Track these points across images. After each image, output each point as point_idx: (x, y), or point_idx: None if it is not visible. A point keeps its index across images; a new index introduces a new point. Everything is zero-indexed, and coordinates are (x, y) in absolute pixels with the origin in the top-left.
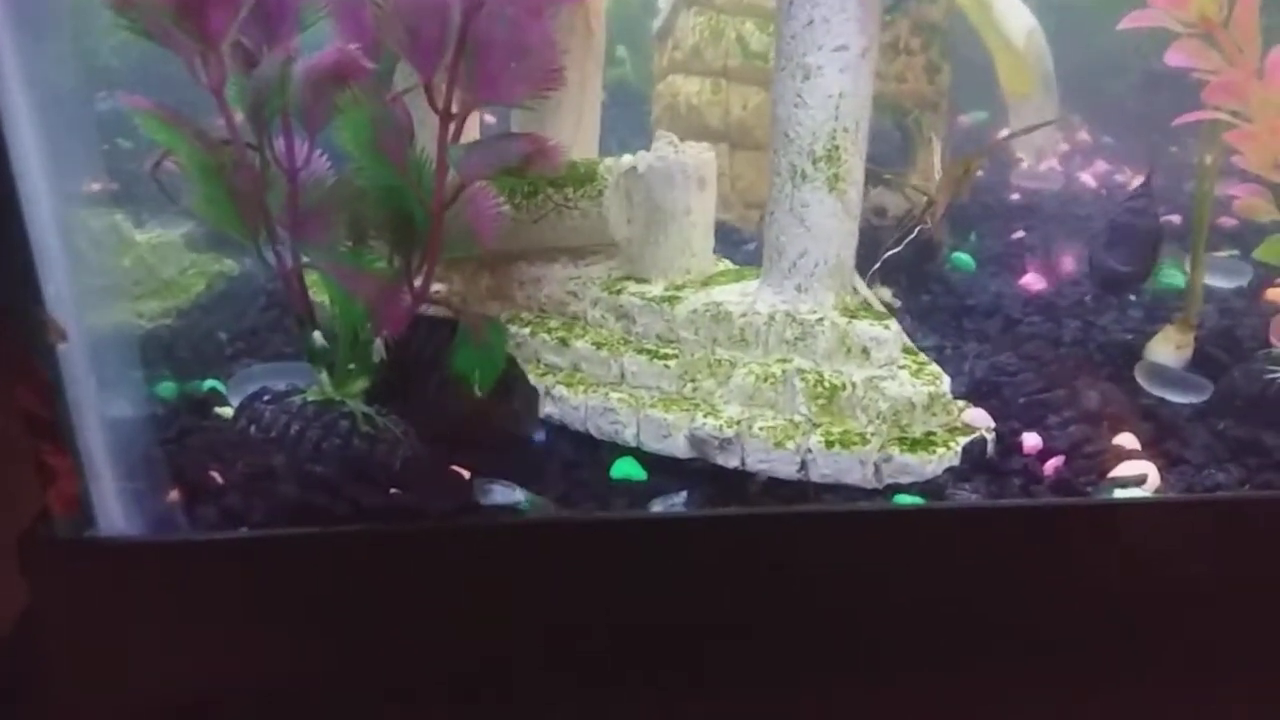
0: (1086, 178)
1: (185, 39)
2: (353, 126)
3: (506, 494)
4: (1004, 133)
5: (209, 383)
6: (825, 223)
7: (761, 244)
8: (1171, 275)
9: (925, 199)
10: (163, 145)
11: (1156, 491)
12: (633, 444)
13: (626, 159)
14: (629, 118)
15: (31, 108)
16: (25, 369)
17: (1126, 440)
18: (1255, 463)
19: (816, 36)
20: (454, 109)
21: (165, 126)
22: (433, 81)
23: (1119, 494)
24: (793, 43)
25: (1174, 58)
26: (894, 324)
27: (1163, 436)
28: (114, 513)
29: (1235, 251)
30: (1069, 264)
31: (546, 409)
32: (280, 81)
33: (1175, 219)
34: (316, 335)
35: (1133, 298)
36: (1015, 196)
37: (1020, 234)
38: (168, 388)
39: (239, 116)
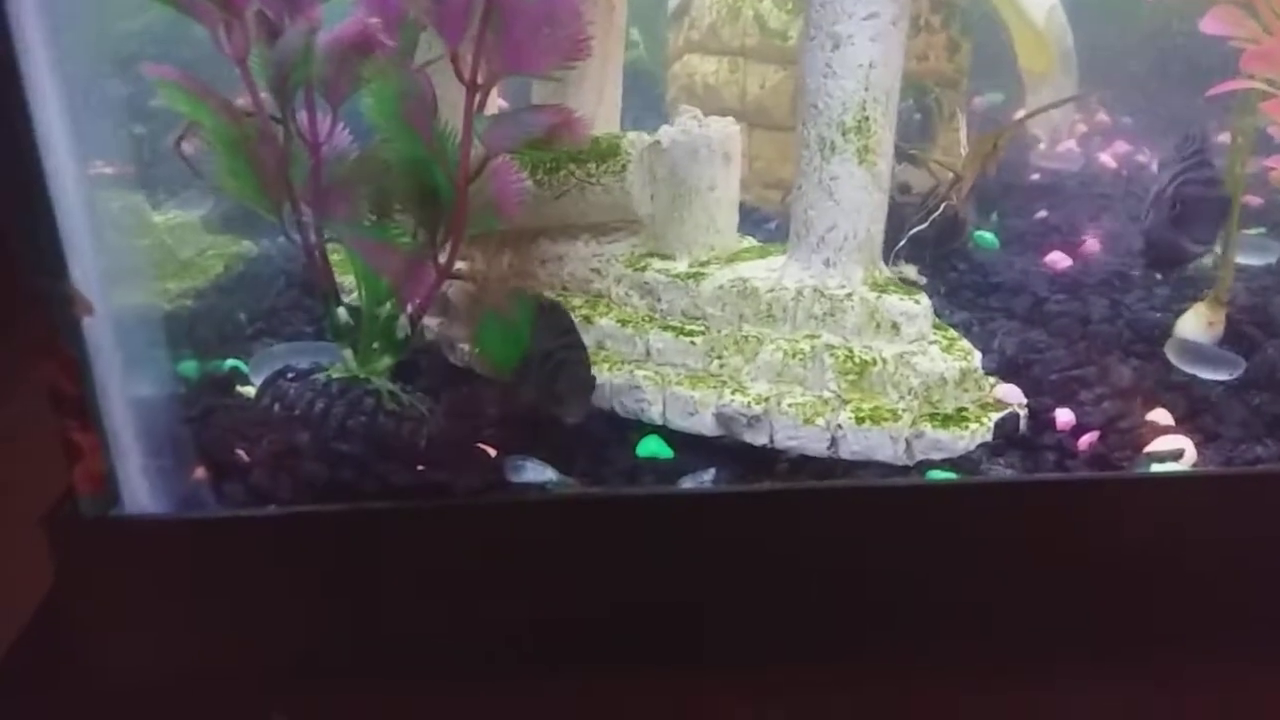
0: (1106, 158)
1: (209, 6)
2: (380, 98)
3: (538, 472)
4: (1028, 110)
5: (230, 362)
6: (855, 195)
7: (782, 223)
8: None
9: (951, 175)
10: (187, 118)
11: (1194, 466)
12: (659, 422)
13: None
14: (642, 100)
15: (58, 86)
16: (51, 346)
17: (1160, 416)
18: None
19: (847, 4)
20: (480, 80)
21: (189, 98)
22: (459, 51)
23: (1156, 468)
24: (822, 11)
25: (1210, 25)
26: (924, 298)
27: (1197, 412)
28: (139, 491)
29: (1263, 229)
30: (1093, 243)
31: None
32: (304, 52)
33: None
34: (341, 311)
35: (1160, 276)
36: (1035, 176)
37: (1043, 214)
38: (190, 367)
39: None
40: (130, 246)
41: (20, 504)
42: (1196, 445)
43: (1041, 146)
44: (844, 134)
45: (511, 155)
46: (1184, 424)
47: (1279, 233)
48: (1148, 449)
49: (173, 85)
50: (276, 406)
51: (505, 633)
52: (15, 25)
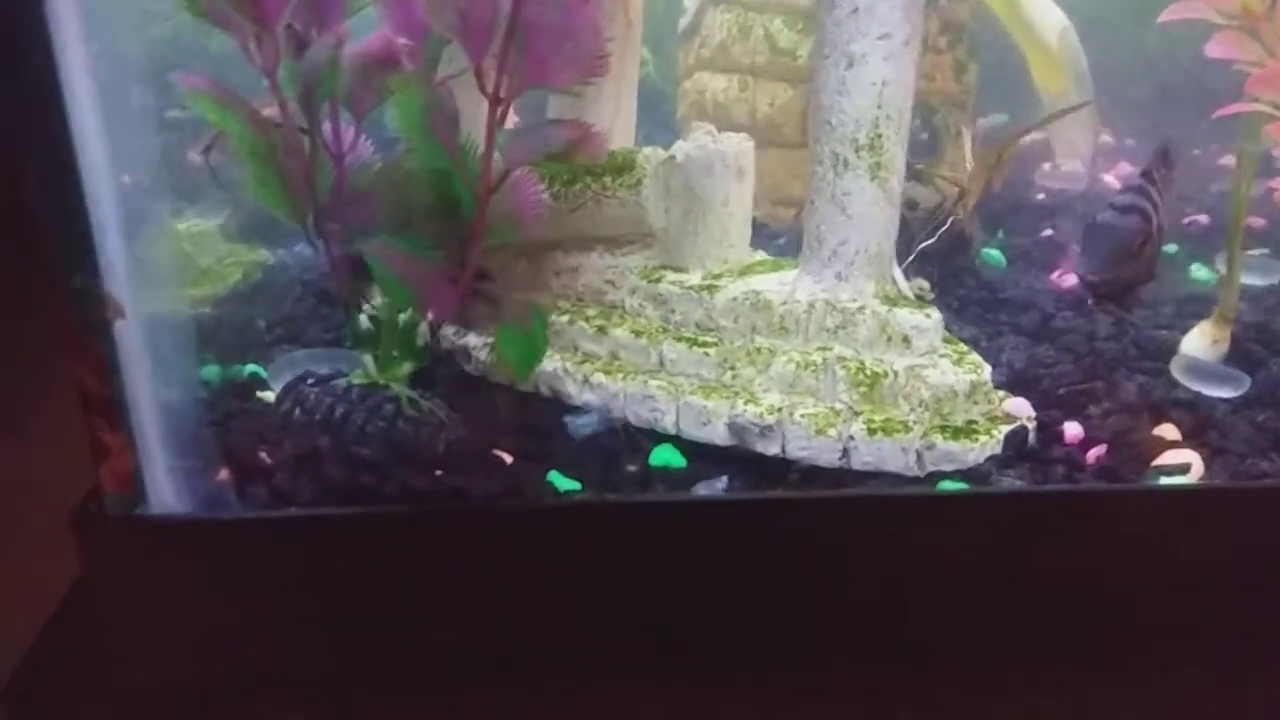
0: (1110, 179)
1: (240, 19)
2: (405, 110)
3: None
4: (1038, 125)
5: (250, 367)
6: (867, 211)
7: (791, 239)
8: (1199, 273)
9: (957, 191)
10: (215, 127)
11: (1202, 480)
12: (672, 431)
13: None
14: (652, 118)
15: (92, 92)
16: (82, 346)
17: (1166, 431)
18: None
19: (861, 24)
20: (501, 93)
21: (219, 107)
22: (482, 65)
23: (1164, 481)
24: (837, 30)
25: (1215, 49)
26: (935, 312)
27: (1202, 428)
28: (165, 491)
29: (1265, 250)
30: None
31: (585, 396)
32: (331, 65)
33: (1203, 219)
34: (362, 319)
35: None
36: (1040, 196)
37: (1049, 232)
38: (211, 371)
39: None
40: (157, 252)
41: (41, 501)
42: (1203, 460)
43: (1064, 168)
44: (857, 151)
45: (530, 168)
46: (1190, 439)
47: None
48: (1155, 463)
49: (203, 94)
50: (298, 411)
51: (524, 637)
52: (55, 35)
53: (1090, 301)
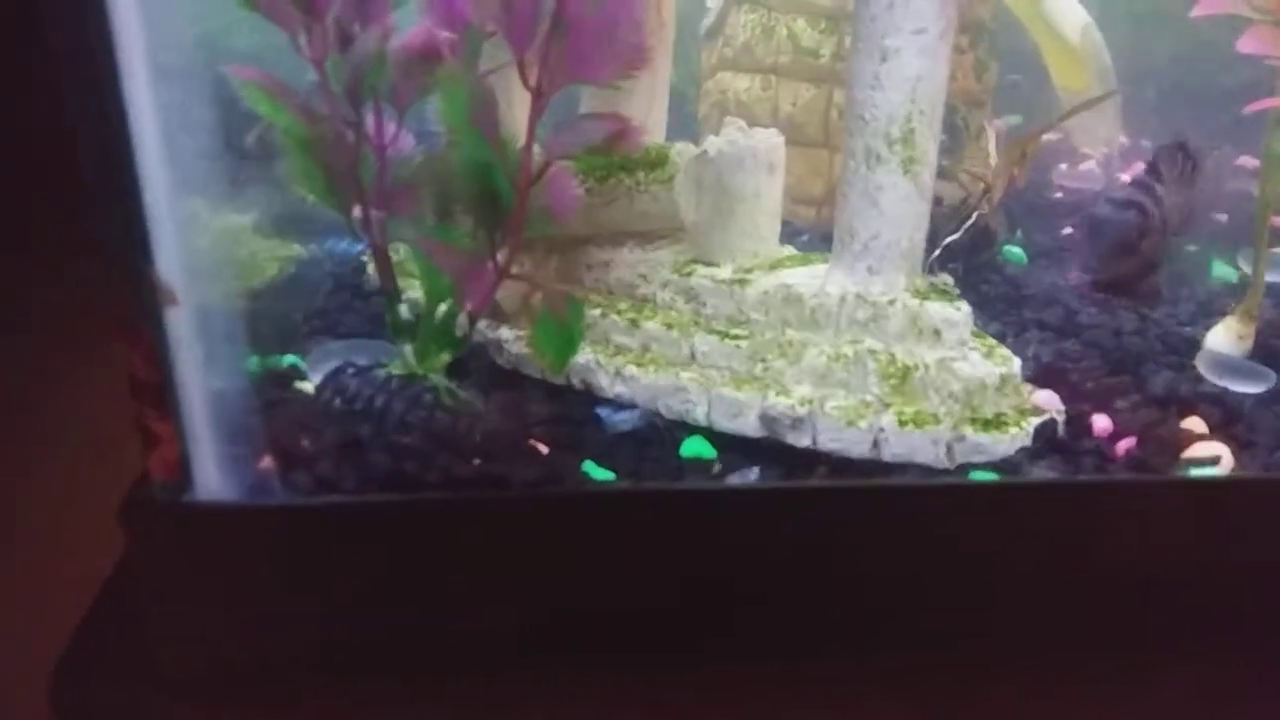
0: (1126, 179)
1: (290, 10)
2: (450, 101)
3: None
4: (1062, 123)
5: (289, 358)
6: (899, 205)
7: (814, 236)
8: (1222, 270)
9: (982, 187)
10: (265, 118)
11: (1234, 471)
12: (703, 423)
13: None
14: (673, 117)
15: (149, 83)
16: (134, 332)
17: (1195, 424)
18: None
19: (896, 18)
20: (544, 87)
21: (270, 100)
22: (525, 59)
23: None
24: (872, 25)
25: (1247, 44)
26: (965, 305)
27: (1230, 421)
28: (211, 477)
29: None
30: None
31: (617, 388)
32: (377, 58)
33: (1222, 217)
34: (403, 308)
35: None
36: (1058, 195)
37: (1068, 230)
38: (252, 361)
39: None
40: (207, 246)
41: (77, 492)
42: (1234, 452)
43: (1092, 160)
44: (890, 145)
45: (565, 163)
46: (1219, 432)
47: None
48: (1184, 455)
49: (255, 86)
50: (339, 400)
51: (561, 618)
52: (114, 28)
53: (1093, 293)
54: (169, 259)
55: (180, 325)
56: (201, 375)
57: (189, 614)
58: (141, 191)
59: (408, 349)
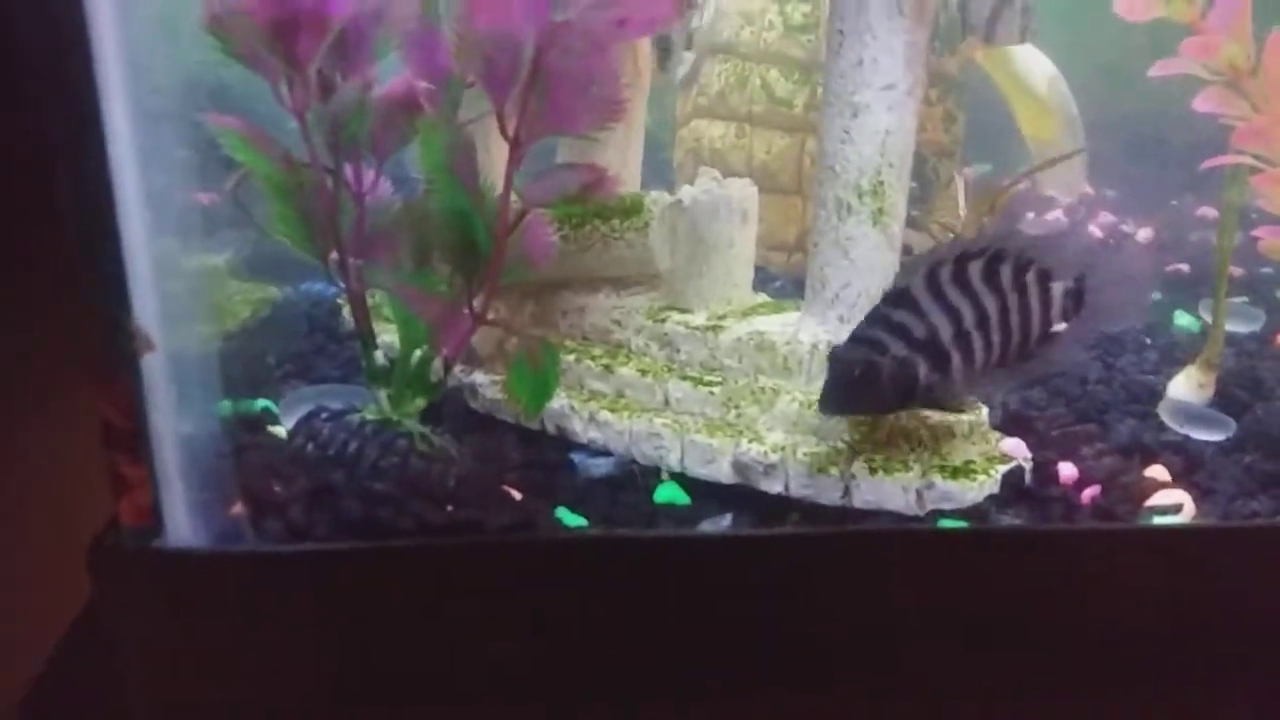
0: (1093, 228)
1: (273, 61)
2: (429, 149)
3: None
4: (1030, 172)
5: (261, 402)
6: (869, 255)
7: (787, 283)
8: (1182, 320)
9: (952, 237)
10: (244, 164)
11: (1195, 519)
12: (677, 469)
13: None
14: (647, 163)
15: (132, 122)
16: (108, 380)
17: (1158, 472)
18: None
19: (865, 75)
20: (522, 138)
21: (248, 146)
22: (504, 110)
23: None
24: (841, 81)
25: (1203, 104)
26: None
27: (1192, 469)
28: (182, 524)
29: (1246, 298)
30: None
31: (590, 434)
32: (359, 108)
33: (1184, 268)
34: (379, 354)
35: None
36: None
37: None
38: (224, 406)
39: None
40: (179, 288)
41: (46, 525)
42: (1194, 500)
43: (1058, 207)
44: (860, 197)
45: (542, 210)
46: (1181, 480)
47: (1262, 302)
48: (1148, 503)
49: (235, 134)
50: (311, 446)
51: (533, 669)
52: (96, 66)
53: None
54: (146, 305)
55: (155, 371)
56: (174, 421)
57: (159, 661)
58: (121, 239)
59: (382, 394)
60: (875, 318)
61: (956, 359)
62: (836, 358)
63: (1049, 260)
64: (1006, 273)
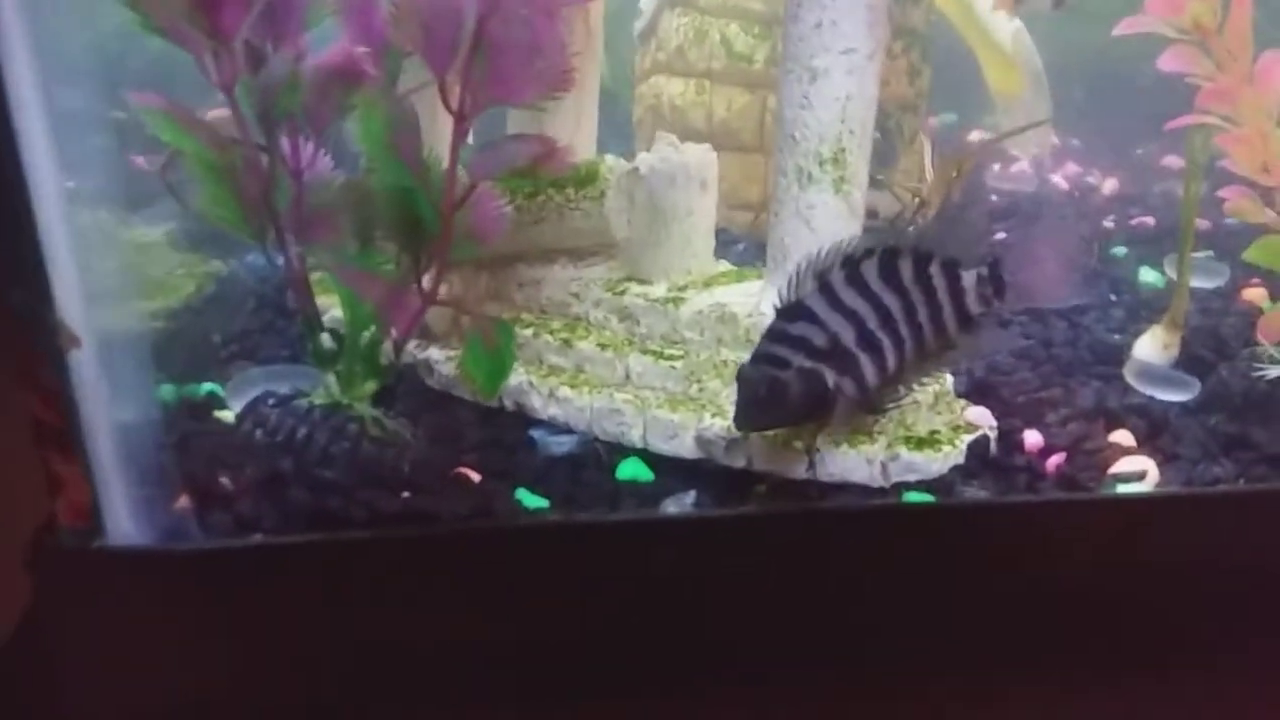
0: (1058, 179)
1: (196, 34)
2: (368, 125)
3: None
4: (994, 135)
5: (207, 386)
6: (831, 224)
7: (750, 245)
8: (1148, 276)
9: (916, 199)
10: (171, 144)
11: (1158, 486)
12: (639, 445)
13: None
14: (607, 120)
15: (40, 103)
16: (34, 375)
17: (1123, 437)
18: (1248, 457)
19: (825, 39)
20: (466, 109)
21: (174, 126)
22: (446, 81)
23: (1122, 489)
24: (800, 45)
25: (1168, 63)
26: None
27: (1156, 433)
28: (123, 520)
29: (1210, 252)
30: None
31: (550, 410)
32: (290, 80)
33: (1150, 220)
34: (324, 337)
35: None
36: (992, 198)
37: (1001, 235)
38: (167, 391)
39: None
40: (109, 266)
41: None
42: (1159, 465)
43: (1024, 163)
44: (821, 165)
45: (493, 182)
46: (1145, 445)
47: (1227, 256)
48: (1112, 470)
49: (159, 113)
50: (259, 432)
51: (494, 659)
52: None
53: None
54: (69, 293)
55: (85, 362)
56: (110, 413)
57: (102, 665)
58: (33, 219)
59: (331, 378)
60: (774, 334)
61: (866, 362)
62: (742, 377)
63: (952, 249)
64: (906, 268)
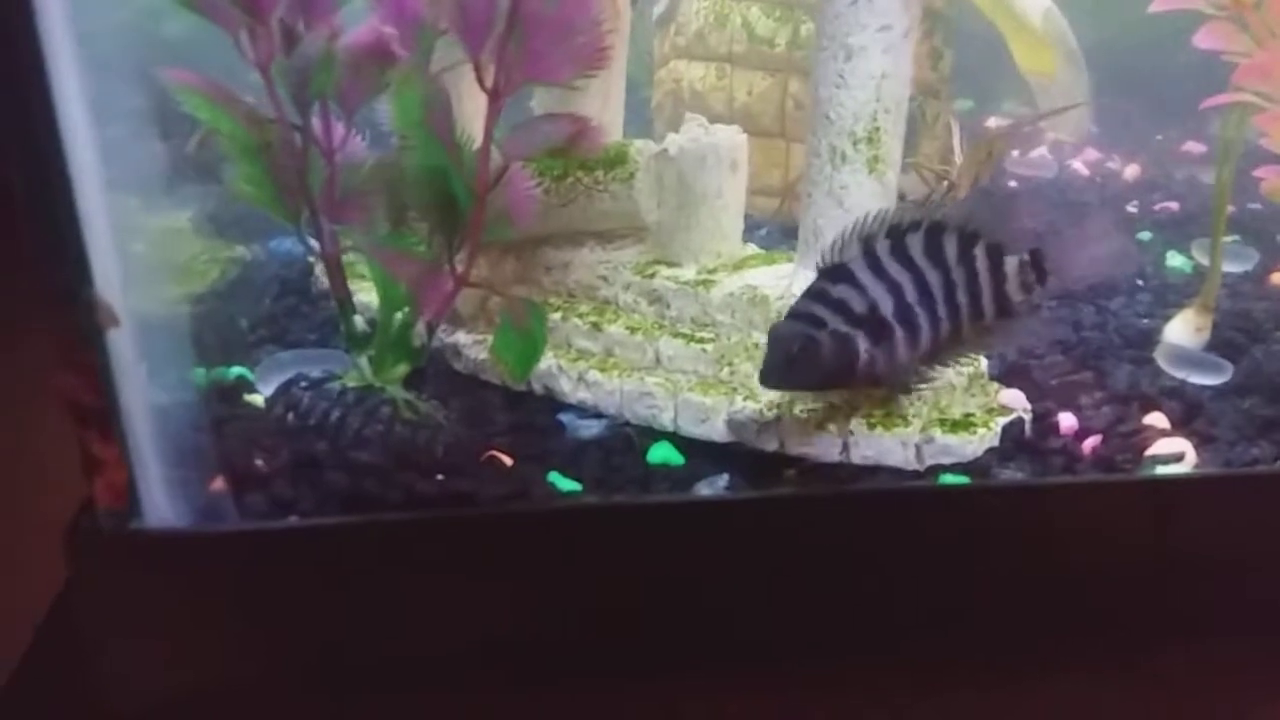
0: (1079, 165)
1: (232, 11)
2: (402, 104)
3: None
4: (1015, 119)
5: (236, 370)
6: (864, 204)
7: (774, 229)
8: (1174, 260)
9: (945, 183)
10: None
11: (1196, 467)
12: (670, 428)
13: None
14: (626, 106)
15: (81, 84)
16: (72, 355)
17: (1157, 420)
18: None
19: (861, 16)
20: (500, 88)
21: (210, 104)
22: (480, 60)
23: (1161, 470)
24: (836, 22)
25: (1205, 39)
26: None
27: (1191, 416)
28: (160, 503)
29: (1237, 237)
30: None
31: (580, 394)
32: (325, 59)
33: (1173, 205)
34: (358, 319)
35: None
36: (1012, 184)
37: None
38: (197, 374)
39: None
40: (147, 252)
41: (21, 512)
42: (1195, 447)
43: (1066, 146)
44: (855, 144)
45: (523, 163)
46: (1180, 427)
47: (1254, 240)
48: (1149, 451)
49: (193, 91)
50: (291, 415)
51: (525, 640)
52: (43, 28)
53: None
54: (108, 272)
55: (123, 345)
56: (147, 395)
57: (139, 646)
58: (75, 201)
59: (363, 360)
60: (814, 293)
61: (899, 334)
62: (775, 334)
63: (994, 227)
64: (950, 246)
